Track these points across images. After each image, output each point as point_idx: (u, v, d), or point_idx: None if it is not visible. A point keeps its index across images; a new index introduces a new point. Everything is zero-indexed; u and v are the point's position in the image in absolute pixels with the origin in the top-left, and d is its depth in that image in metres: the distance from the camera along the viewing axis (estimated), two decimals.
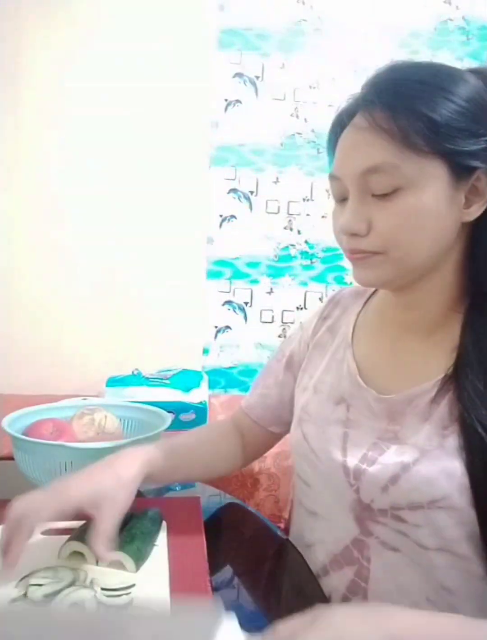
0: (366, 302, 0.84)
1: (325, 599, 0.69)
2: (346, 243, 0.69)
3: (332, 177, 0.70)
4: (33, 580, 0.62)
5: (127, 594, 0.62)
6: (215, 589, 0.65)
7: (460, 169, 0.64)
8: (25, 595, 0.60)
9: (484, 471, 0.63)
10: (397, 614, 0.54)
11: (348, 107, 0.70)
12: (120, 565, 0.66)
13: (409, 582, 0.67)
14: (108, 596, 0.61)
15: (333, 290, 1.82)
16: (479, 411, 0.64)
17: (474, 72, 0.67)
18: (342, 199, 0.70)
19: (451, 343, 0.69)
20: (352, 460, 0.71)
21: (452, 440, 0.65)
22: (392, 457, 0.68)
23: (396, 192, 0.64)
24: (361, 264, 0.69)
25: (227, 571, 0.73)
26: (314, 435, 0.77)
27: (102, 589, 0.61)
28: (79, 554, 0.68)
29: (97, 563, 0.66)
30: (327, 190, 1.64)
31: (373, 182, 0.65)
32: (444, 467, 0.64)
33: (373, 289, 0.85)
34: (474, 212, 0.67)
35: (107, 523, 0.65)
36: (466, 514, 0.63)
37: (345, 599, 0.71)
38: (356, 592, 0.71)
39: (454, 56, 1.82)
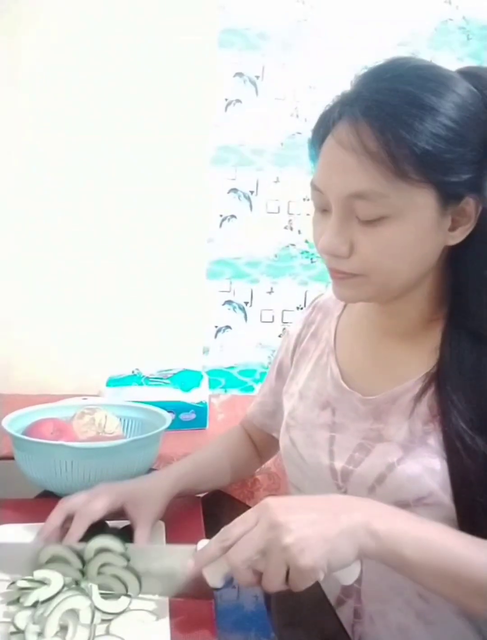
0: (346, 305, 0.85)
1: (324, 598, 0.69)
2: (326, 261, 0.68)
3: (315, 188, 0.67)
4: (21, 584, 0.61)
5: (125, 595, 0.62)
6: (215, 589, 0.65)
7: (449, 197, 0.62)
8: (18, 600, 0.60)
9: (463, 469, 0.64)
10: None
11: (332, 111, 0.65)
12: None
13: (401, 581, 0.68)
14: (105, 599, 0.61)
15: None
16: (458, 411, 0.65)
17: (465, 74, 0.65)
18: (323, 210, 0.67)
19: (432, 344, 0.69)
20: (339, 463, 0.72)
21: (434, 438, 0.66)
22: (377, 457, 0.69)
23: (382, 220, 0.62)
24: (342, 283, 0.68)
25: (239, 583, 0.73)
26: (301, 440, 0.78)
27: (100, 592, 0.61)
28: (60, 560, 0.65)
29: (83, 565, 0.64)
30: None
31: (358, 207, 0.62)
32: (427, 465, 0.65)
33: None
34: (458, 236, 0.65)
35: (145, 521, 0.72)
36: (450, 511, 0.64)
37: (340, 601, 0.72)
38: (349, 594, 0.72)
39: (454, 56, 1.82)
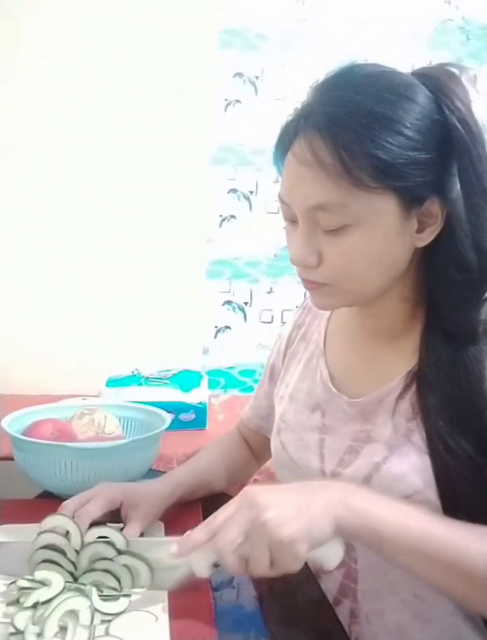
0: None
1: (324, 598, 0.70)
2: (298, 272, 0.69)
3: (281, 200, 0.68)
4: (21, 584, 0.61)
5: (125, 596, 0.62)
6: (215, 589, 0.65)
7: (411, 200, 0.62)
8: (17, 600, 0.60)
9: (445, 466, 0.64)
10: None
11: (289, 127, 0.67)
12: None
13: (396, 580, 0.68)
14: (105, 600, 0.61)
15: None
16: (437, 410, 0.65)
17: (419, 76, 0.65)
18: (292, 221, 0.68)
19: (414, 343, 0.70)
20: (330, 466, 0.73)
21: (418, 434, 0.67)
22: (364, 458, 0.69)
23: (345, 229, 0.63)
24: (316, 293, 0.69)
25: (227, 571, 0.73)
26: (292, 443, 0.78)
27: (99, 594, 0.61)
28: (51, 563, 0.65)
29: (75, 569, 0.65)
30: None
31: (321, 218, 0.63)
32: (412, 463, 0.66)
33: None
34: (427, 237, 0.65)
35: (139, 520, 0.72)
36: (437, 508, 0.64)
37: (336, 602, 0.72)
38: (345, 594, 0.72)
39: (454, 56, 1.82)
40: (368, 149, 0.59)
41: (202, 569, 0.59)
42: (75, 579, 0.63)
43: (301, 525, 0.54)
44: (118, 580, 0.63)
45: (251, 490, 0.58)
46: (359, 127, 0.60)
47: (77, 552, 0.65)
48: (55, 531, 0.66)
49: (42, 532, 0.66)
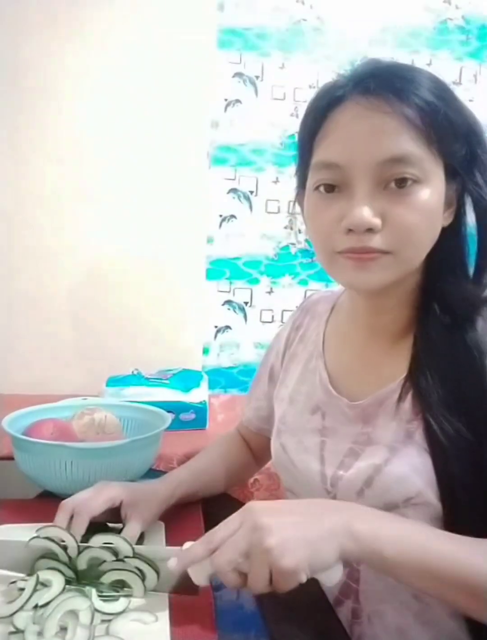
0: (333, 307, 0.85)
1: (325, 598, 0.70)
2: (351, 241, 0.63)
3: (327, 166, 0.64)
4: (22, 585, 0.61)
5: (125, 596, 0.62)
6: (215, 589, 0.65)
7: (451, 174, 0.65)
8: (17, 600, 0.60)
9: (445, 458, 0.64)
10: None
11: (339, 85, 0.64)
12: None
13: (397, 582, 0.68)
14: (105, 600, 0.61)
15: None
16: (436, 398, 0.65)
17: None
18: (331, 190, 0.64)
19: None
20: (330, 468, 0.72)
21: (419, 436, 0.66)
22: (365, 460, 0.69)
23: (414, 186, 0.62)
24: (368, 265, 0.64)
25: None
26: (292, 446, 0.78)
27: (99, 594, 0.61)
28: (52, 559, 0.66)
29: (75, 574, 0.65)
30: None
31: (395, 172, 0.61)
32: (413, 464, 0.65)
33: (340, 293, 0.86)
34: (449, 217, 0.68)
35: (137, 520, 0.72)
36: (438, 510, 0.64)
37: (338, 602, 0.72)
38: (347, 594, 0.72)
39: (454, 56, 1.82)
40: (439, 109, 0.62)
41: (200, 579, 0.59)
42: (76, 578, 0.64)
43: (304, 555, 0.54)
44: (122, 582, 0.63)
45: (254, 509, 0.57)
46: (432, 90, 0.62)
47: (71, 559, 0.65)
48: (52, 539, 0.65)
49: (36, 538, 0.66)
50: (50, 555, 0.65)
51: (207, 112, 1.73)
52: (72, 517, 0.71)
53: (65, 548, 0.65)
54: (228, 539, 0.56)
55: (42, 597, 0.59)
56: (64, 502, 0.73)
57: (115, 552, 0.65)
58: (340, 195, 0.64)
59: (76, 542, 0.65)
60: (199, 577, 0.59)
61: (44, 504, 0.84)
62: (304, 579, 0.54)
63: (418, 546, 0.57)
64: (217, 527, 0.58)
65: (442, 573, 0.56)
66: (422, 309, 0.70)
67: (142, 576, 0.63)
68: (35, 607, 0.58)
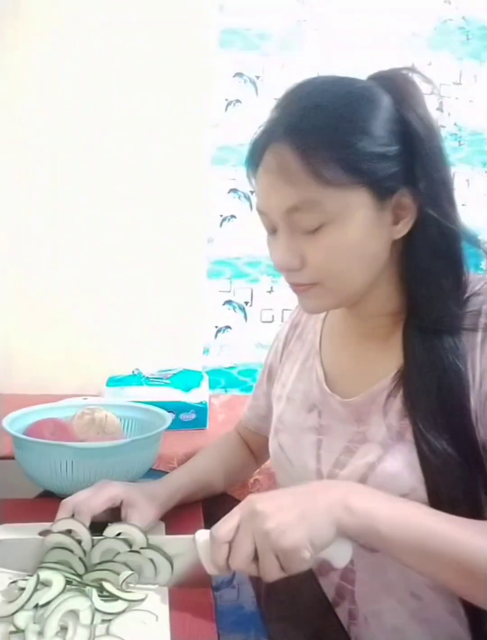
0: None
1: (324, 598, 0.70)
2: (285, 277, 0.71)
3: (259, 211, 0.70)
4: (22, 585, 0.62)
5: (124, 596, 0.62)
6: (215, 589, 0.66)
7: (382, 192, 0.65)
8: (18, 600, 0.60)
9: (431, 466, 0.64)
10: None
11: (257, 143, 0.70)
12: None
13: (393, 580, 0.68)
14: (105, 600, 0.61)
15: None
16: (420, 410, 0.66)
17: (378, 79, 0.68)
18: (273, 231, 0.70)
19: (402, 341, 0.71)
20: (326, 467, 0.73)
21: (411, 432, 0.67)
22: (359, 459, 0.69)
23: (322, 227, 0.64)
24: (304, 296, 0.70)
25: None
26: (289, 444, 0.79)
27: (99, 595, 0.61)
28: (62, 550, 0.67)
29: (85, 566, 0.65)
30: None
31: (298, 219, 0.65)
32: (407, 461, 0.66)
33: None
34: (402, 229, 0.67)
35: (138, 522, 0.71)
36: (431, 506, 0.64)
37: (334, 603, 0.73)
38: (343, 596, 0.72)
39: (454, 56, 1.82)
40: (339, 151, 0.62)
41: (213, 569, 0.60)
42: (86, 571, 0.65)
43: (303, 533, 0.55)
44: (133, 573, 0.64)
45: (251, 499, 0.59)
46: (323, 130, 0.63)
47: (86, 552, 0.66)
48: (65, 533, 0.66)
49: (49, 531, 0.67)
50: (63, 547, 0.65)
51: (207, 112, 1.73)
52: (72, 516, 0.71)
53: (79, 541, 0.66)
54: (235, 539, 0.57)
55: (43, 596, 0.59)
56: (64, 501, 0.73)
57: (129, 543, 0.65)
58: (278, 236, 0.69)
59: (89, 534, 0.66)
60: (212, 567, 0.60)
61: (44, 503, 0.84)
62: (307, 555, 0.55)
63: (416, 522, 0.57)
64: (218, 523, 0.59)
65: (440, 551, 0.56)
66: (405, 313, 0.71)
67: (155, 567, 0.64)
68: (36, 606, 0.58)
